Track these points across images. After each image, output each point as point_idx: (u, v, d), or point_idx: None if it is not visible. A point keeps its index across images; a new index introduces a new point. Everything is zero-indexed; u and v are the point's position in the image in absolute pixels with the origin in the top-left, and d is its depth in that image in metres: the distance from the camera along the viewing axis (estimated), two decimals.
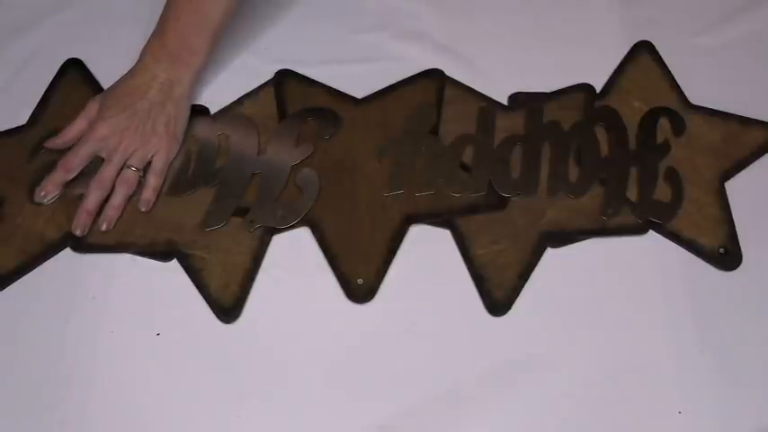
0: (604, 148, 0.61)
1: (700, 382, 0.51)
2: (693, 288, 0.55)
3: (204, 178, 0.60)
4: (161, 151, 0.59)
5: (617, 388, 0.51)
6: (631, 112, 0.63)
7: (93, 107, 0.60)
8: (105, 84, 0.65)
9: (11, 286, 0.56)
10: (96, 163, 0.59)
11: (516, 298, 0.54)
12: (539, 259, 0.56)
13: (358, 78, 0.65)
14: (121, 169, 0.59)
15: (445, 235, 0.57)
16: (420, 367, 0.52)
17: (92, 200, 0.57)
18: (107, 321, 0.54)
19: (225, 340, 0.53)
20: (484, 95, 0.64)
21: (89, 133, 0.59)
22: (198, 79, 0.62)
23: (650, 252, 0.56)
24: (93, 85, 0.66)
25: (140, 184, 0.59)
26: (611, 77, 0.65)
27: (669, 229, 0.57)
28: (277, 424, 0.50)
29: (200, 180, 0.60)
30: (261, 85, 0.65)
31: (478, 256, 0.56)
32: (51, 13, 0.71)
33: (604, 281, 0.55)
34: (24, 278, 0.56)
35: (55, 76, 0.66)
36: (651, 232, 0.57)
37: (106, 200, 0.58)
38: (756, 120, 0.62)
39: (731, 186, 0.59)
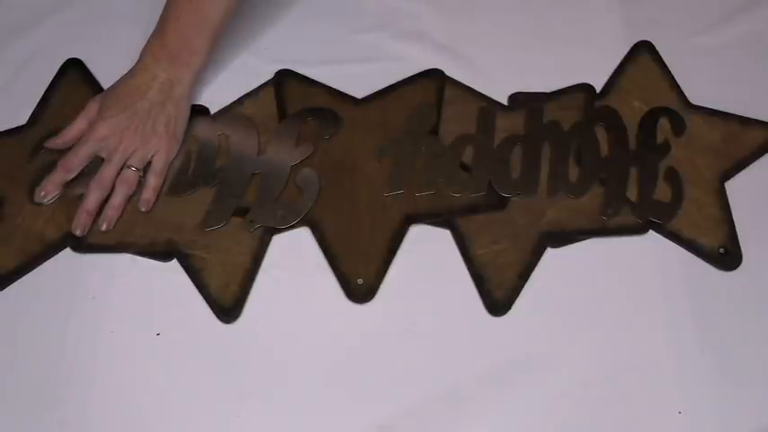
0: (604, 148, 0.61)
1: (700, 382, 0.51)
2: (693, 288, 0.55)
3: (204, 178, 0.60)
4: (161, 151, 0.59)
5: (617, 388, 0.51)
6: (631, 112, 0.63)
7: (93, 107, 0.60)
8: (105, 84, 0.65)
9: (11, 286, 0.56)
10: (96, 163, 0.59)
11: (516, 298, 0.54)
12: (539, 259, 0.56)
13: (358, 78, 0.65)
14: (121, 169, 0.59)
15: (445, 235, 0.57)
16: (420, 367, 0.52)
17: (92, 200, 0.57)
18: (107, 321, 0.54)
19: (225, 340, 0.53)
20: (484, 95, 0.64)
21: (89, 133, 0.59)
22: (198, 79, 0.62)
23: (650, 252, 0.56)
24: (93, 85, 0.66)
25: (140, 184, 0.59)
26: (611, 77, 0.65)
27: (669, 229, 0.57)
28: (277, 424, 0.50)
29: (200, 180, 0.60)
30: (261, 85, 0.65)
31: (478, 256, 0.56)
32: (51, 13, 0.71)
33: (604, 281, 0.55)
34: (24, 278, 0.56)
35: (55, 76, 0.66)
36: (651, 232, 0.57)
37: (106, 200, 0.58)
38: (756, 120, 0.62)
39: (731, 186, 0.59)
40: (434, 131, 0.62)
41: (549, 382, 0.51)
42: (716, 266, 0.55)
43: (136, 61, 0.61)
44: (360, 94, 0.64)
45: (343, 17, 0.70)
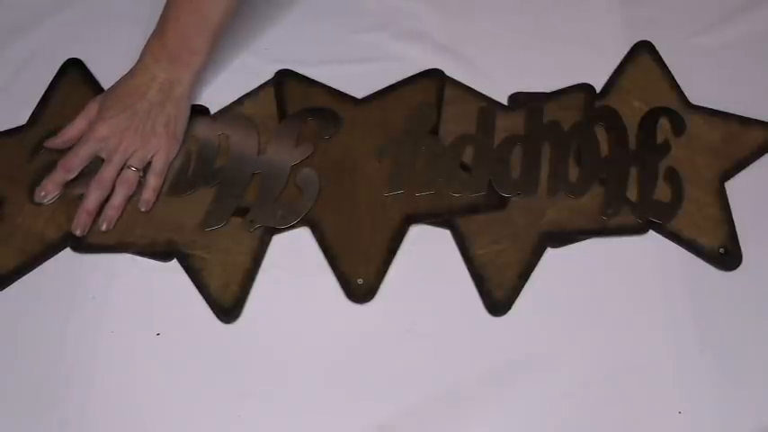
0: (604, 148, 0.61)
1: (700, 382, 0.51)
2: (693, 288, 0.55)
3: (204, 178, 0.60)
4: (161, 151, 0.59)
5: (617, 388, 0.51)
6: (631, 112, 0.63)
7: (93, 107, 0.60)
8: (105, 84, 0.65)
9: (11, 286, 0.56)
10: (96, 163, 0.59)
11: (516, 298, 0.54)
12: (539, 259, 0.56)
13: (358, 78, 0.65)
14: (121, 169, 0.59)
15: (445, 235, 0.57)
16: (420, 367, 0.52)
17: (92, 200, 0.57)
18: (107, 321, 0.54)
19: (225, 340, 0.53)
20: (484, 95, 0.64)
21: (89, 133, 0.59)
22: (198, 79, 0.62)
23: (650, 252, 0.56)
24: (93, 85, 0.66)
25: (140, 184, 0.59)
26: (611, 77, 0.65)
27: (669, 229, 0.57)
28: (277, 424, 0.50)
29: (200, 180, 0.60)
30: (261, 85, 0.65)
31: (478, 256, 0.56)
32: (51, 13, 0.71)
33: (604, 281, 0.55)
34: (24, 278, 0.56)
35: (55, 76, 0.66)
36: (651, 232, 0.57)
37: (106, 200, 0.58)
38: (756, 120, 0.62)
39: (731, 186, 0.59)
40: (434, 131, 0.62)
41: (549, 382, 0.51)
42: (716, 266, 0.55)
43: (136, 61, 0.61)
44: (360, 94, 0.64)
45: (344, 17, 0.70)
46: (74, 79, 0.66)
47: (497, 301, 0.54)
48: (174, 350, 0.53)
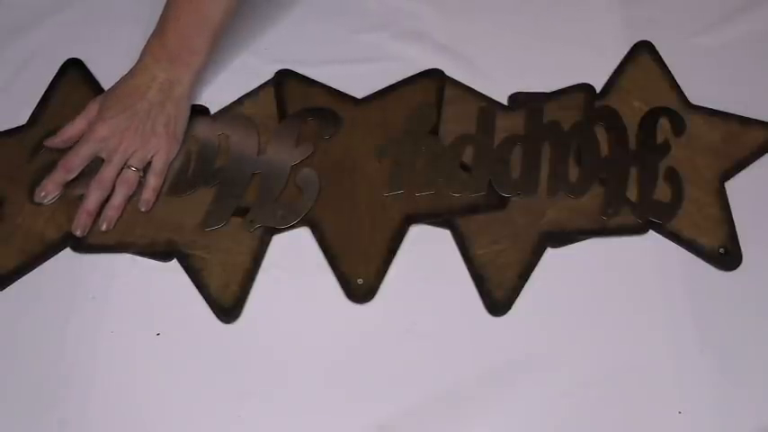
0: (604, 148, 0.61)
1: (700, 382, 0.51)
2: (693, 288, 0.55)
3: (204, 178, 0.60)
4: (161, 151, 0.59)
5: (617, 388, 0.51)
6: (631, 112, 0.63)
7: (93, 108, 0.60)
8: (105, 84, 0.65)
9: (11, 286, 0.56)
10: (96, 163, 0.59)
11: (516, 298, 0.54)
12: (539, 259, 0.56)
13: (358, 78, 0.65)
14: (122, 170, 0.59)
15: (445, 235, 0.57)
16: (420, 367, 0.52)
17: (92, 200, 0.57)
18: (107, 321, 0.54)
19: (225, 340, 0.53)
20: (484, 95, 0.64)
21: (89, 134, 0.59)
22: (198, 79, 0.62)
23: (650, 252, 0.56)
24: (93, 85, 0.66)
25: (140, 184, 0.59)
26: (611, 77, 0.65)
27: (669, 229, 0.57)
28: (277, 424, 0.50)
29: (201, 180, 0.60)
30: (261, 85, 0.65)
31: (478, 256, 0.56)
32: (51, 13, 0.71)
33: (604, 281, 0.55)
34: (24, 278, 0.56)
35: (55, 76, 0.66)
36: (651, 232, 0.57)
37: (106, 200, 0.58)
38: (756, 120, 0.62)
39: (731, 186, 0.59)
40: (434, 131, 0.62)
41: (549, 382, 0.51)
42: (716, 266, 0.55)
43: (136, 61, 0.61)
44: (360, 94, 0.64)
45: (344, 17, 0.70)
46: (74, 79, 0.66)
47: (497, 301, 0.54)
48: (174, 350, 0.53)
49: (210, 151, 0.61)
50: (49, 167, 0.59)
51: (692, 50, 0.67)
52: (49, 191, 0.58)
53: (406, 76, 0.65)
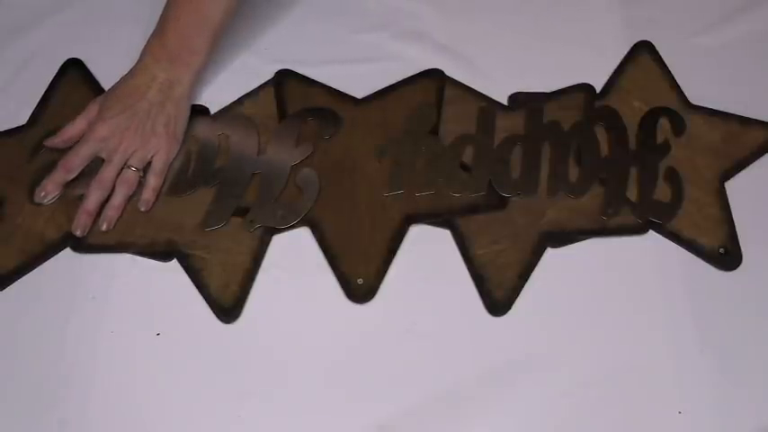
0: (604, 148, 0.61)
1: (700, 382, 0.51)
2: (693, 288, 0.55)
3: (204, 178, 0.60)
4: (161, 151, 0.59)
5: (617, 388, 0.51)
6: (631, 112, 0.63)
7: (93, 108, 0.60)
8: (105, 84, 0.65)
9: (11, 286, 0.56)
10: (96, 163, 0.59)
11: (516, 298, 0.54)
12: (539, 259, 0.56)
13: (358, 78, 0.65)
14: (122, 170, 0.59)
15: (445, 235, 0.57)
16: (420, 367, 0.52)
17: (92, 200, 0.57)
18: (107, 321, 0.54)
19: (225, 340, 0.53)
20: (484, 95, 0.64)
21: (89, 133, 0.59)
22: (198, 79, 0.62)
23: (650, 252, 0.56)
24: (93, 85, 0.66)
25: (140, 184, 0.59)
26: (611, 77, 0.65)
27: (669, 229, 0.57)
28: (277, 424, 0.50)
29: (201, 180, 0.60)
30: (261, 85, 0.65)
31: (478, 256, 0.56)
32: (51, 13, 0.71)
33: (604, 281, 0.55)
34: (24, 278, 0.56)
35: (55, 76, 0.66)
36: (651, 232, 0.57)
37: (106, 200, 0.58)
38: (756, 120, 0.62)
39: (731, 186, 0.59)
40: (434, 131, 0.62)
41: (549, 382, 0.51)
42: (716, 266, 0.55)
43: (136, 61, 0.61)
44: (360, 94, 0.64)
45: (344, 17, 0.70)
46: (74, 79, 0.66)
47: (497, 301, 0.54)
48: (174, 350, 0.53)
49: (210, 151, 0.61)
50: (49, 167, 0.59)
51: (692, 50, 0.67)
52: (48, 191, 0.58)
53: (406, 76, 0.65)
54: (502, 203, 0.58)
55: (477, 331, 0.53)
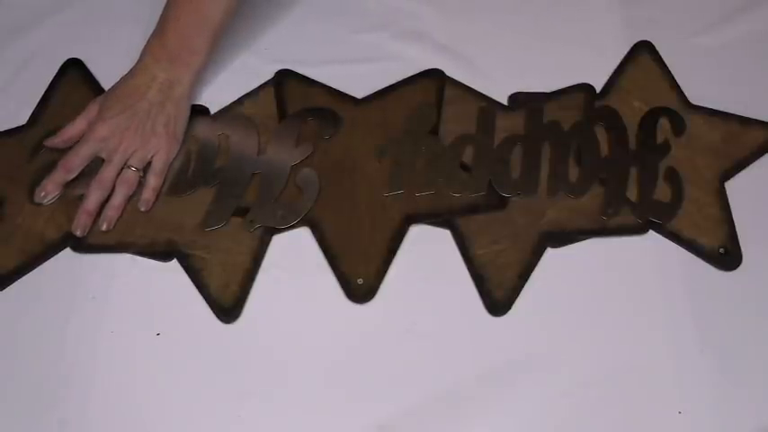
0: (604, 148, 0.61)
1: (700, 382, 0.51)
2: (693, 288, 0.55)
3: (204, 178, 0.60)
4: (161, 151, 0.59)
5: (617, 388, 0.51)
6: (631, 112, 0.63)
7: (93, 108, 0.60)
8: (105, 84, 0.65)
9: (11, 286, 0.56)
10: (96, 163, 0.59)
11: (516, 298, 0.54)
12: (539, 259, 0.56)
13: (358, 78, 0.65)
14: (122, 170, 0.59)
15: (445, 235, 0.57)
16: (420, 367, 0.52)
17: (92, 200, 0.57)
18: (107, 321, 0.54)
19: (225, 340, 0.53)
20: (484, 95, 0.64)
21: (89, 133, 0.59)
22: (198, 79, 0.62)
23: (650, 252, 0.56)
24: (93, 85, 0.66)
25: (140, 184, 0.59)
26: (611, 77, 0.65)
27: (669, 229, 0.57)
28: (277, 424, 0.50)
29: (201, 180, 0.60)
30: (261, 85, 0.65)
31: (478, 256, 0.56)
32: (51, 13, 0.71)
33: (604, 281, 0.55)
34: (24, 278, 0.56)
35: (55, 76, 0.66)
36: (651, 232, 0.57)
37: (106, 200, 0.58)
38: (756, 120, 0.62)
39: (731, 186, 0.59)
40: (434, 131, 0.62)
41: (549, 382, 0.51)
42: (716, 266, 0.55)
43: (136, 61, 0.61)
44: (360, 94, 0.64)
45: (344, 17, 0.70)
46: (74, 79, 0.66)
47: (497, 301, 0.54)
48: (174, 350, 0.53)
49: (210, 151, 0.61)
50: (49, 167, 0.59)
51: (692, 50, 0.67)
52: (49, 191, 0.58)
53: (406, 76, 0.65)
54: (502, 203, 0.58)
55: (477, 331, 0.53)
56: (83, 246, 0.57)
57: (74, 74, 0.67)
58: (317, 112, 0.63)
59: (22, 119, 0.64)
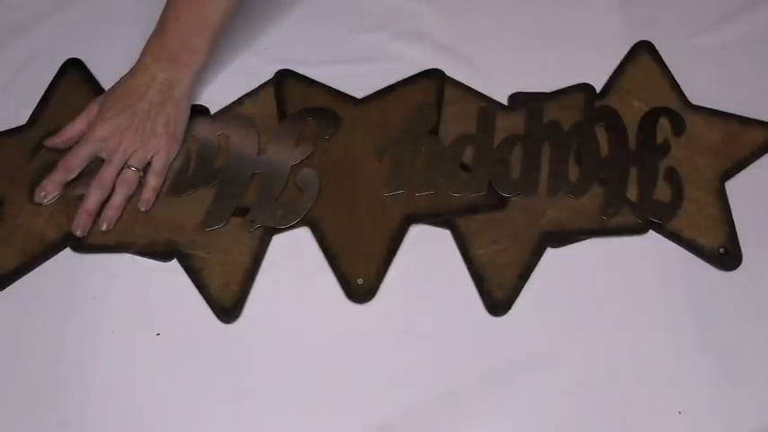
0: (604, 148, 0.61)
1: (700, 382, 0.51)
2: (693, 288, 0.55)
3: (204, 178, 0.60)
4: (161, 151, 0.59)
5: (617, 388, 0.51)
6: (631, 112, 0.63)
7: (93, 108, 0.60)
8: (105, 84, 0.65)
9: (11, 286, 0.56)
10: (96, 163, 0.59)
11: (516, 298, 0.54)
12: (539, 259, 0.56)
13: (358, 78, 0.65)
14: (122, 170, 0.59)
15: (445, 235, 0.57)
16: (420, 367, 0.52)
17: (92, 200, 0.57)
18: (107, 321, 0.54)
19: (225, 340, 0.53)
20: (484, 95, 0.64)
21: (89, 133, 0.59)
22: (198, 79, 0.62)
23: (650, 252, 0.56)
24: (93, 85, 0.66)
25: (140, 184, 0.59)
26: (611, 77, 0.65)
27: (669, 229, 0.57)
28: (277, 424, 0.50)
29: (201, 180, 0.60)
30: (261, 85, 0.65)
31: (478, 256, 0.56)
32: (51, 13, 0.71)
33: (604, 281, 0.55)
34: (24, 278, 0.56)
35: (55, 76, 0.66)
36: (651, 232, 0.57)
37: (106, 200, 0.58)
38: (756, 120, 0.62)
39: (731, 186, 0.59)
40: (434, 131, 0.62)
41: (549, 382, 0.51)
42: (716, 266, 0.55)
43: (136, 61, 0.61)
44: (360, 94, 0.64)
45: (344, 17, 0.70)
46: (74, 79, 0.66)
47: (497, 301, 0.54)
48: (174, 350, 0.53)
49: (210, 151, 0.61)
50: (49, 167, 0.59)
51: (692, 50, 0.67)
52: (49, 191, 0.58)
53: (406, 76, 0.65)
54: (502, 203, 0.58)
55: (477, 331, 0.53)
56: (83, 246, 0.57)
57: (74, 74, 0.67)
58: (317, 112, 0.63)
59: (22, 119, 0.64)
